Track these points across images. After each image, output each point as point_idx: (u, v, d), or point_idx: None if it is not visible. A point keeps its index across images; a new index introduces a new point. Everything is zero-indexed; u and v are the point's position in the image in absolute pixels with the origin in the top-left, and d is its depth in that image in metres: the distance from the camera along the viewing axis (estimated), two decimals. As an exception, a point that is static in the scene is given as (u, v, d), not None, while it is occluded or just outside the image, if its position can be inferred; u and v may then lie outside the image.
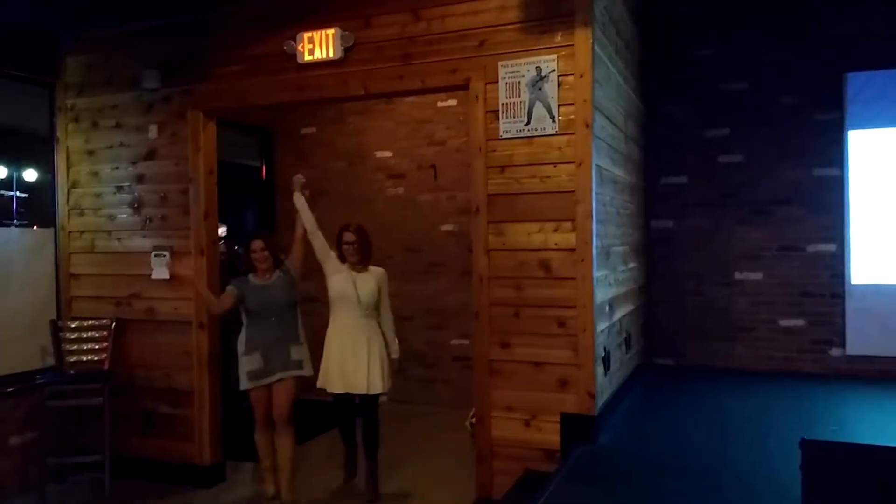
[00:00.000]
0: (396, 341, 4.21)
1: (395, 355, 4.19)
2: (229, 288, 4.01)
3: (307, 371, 4.02)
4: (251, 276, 3.99)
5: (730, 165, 5.45)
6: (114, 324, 4.56)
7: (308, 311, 4.33)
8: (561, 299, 3.53)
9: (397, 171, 6.62)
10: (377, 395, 4.05)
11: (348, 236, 4.06)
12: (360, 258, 4.08)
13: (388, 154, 6.66)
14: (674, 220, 5.64)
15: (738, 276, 5.46)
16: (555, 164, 3.53)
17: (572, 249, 3.50)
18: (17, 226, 4.67)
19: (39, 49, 4.69)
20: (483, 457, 3.71)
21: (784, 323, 5.32)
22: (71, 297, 4.78)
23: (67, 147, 4.77)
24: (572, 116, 3.49)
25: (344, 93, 4.00)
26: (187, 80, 4.40)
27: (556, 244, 3.54)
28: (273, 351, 3.92)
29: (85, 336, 4.50)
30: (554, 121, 3.52)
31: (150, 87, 4.41)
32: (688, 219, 5.59)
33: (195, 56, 4.39)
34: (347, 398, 4.12)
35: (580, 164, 3.47)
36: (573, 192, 3.49)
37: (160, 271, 4.46)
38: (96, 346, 4.50)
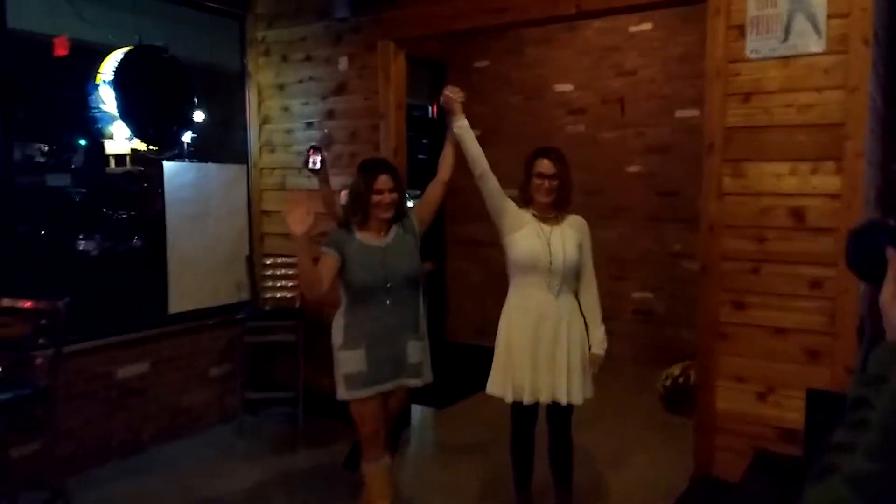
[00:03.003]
0: (603, 328, 2.95)
1: (599, 349, 2.94)
2: (326, 250, 2.67)
3: (427, 378, 2.90)
4: (356, 232, 2.75)
5: None
6: (303, 262, 4.54)
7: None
8: (816, 255, 2.95)
9: (578, 105, 6.11)
10: (571, 406, 2.92)
11: (544, 165, 2.81)
12: (556, 200, 2.84)
13: (568, 87, 6.15)
14: (922, 162, 4.72)
15: None
16: (818, 90, 2.90)
17: (836, 195, 2.89)
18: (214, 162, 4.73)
19: (230, -20, 4.63)
20: (704, 430, 3.29)
21: None
22: (263, 234, 4.82)
23: (258, 81, 4.73)
24: (845, 30, 2.83)
25: (552, 12, 3.55)
26: (378, 8, 4.14)
27: (814, 188, 2.95)
28: (382, 347, 2.72)
29: (278, 273, 4.52)
30: (820, 36, 2.88)
31: (340, 17, 4.19)
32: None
33: (386, -20, 4.11)
34: (531, 409, 2.94)
35: (853, 91, 2.82)
36: (842, 125, 2.86)
37: (349, 210, 4.34)
38: (288, 284, 4.51)
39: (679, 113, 5.59)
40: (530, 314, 2.84)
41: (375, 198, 2.70)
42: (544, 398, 2.84)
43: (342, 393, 2.76)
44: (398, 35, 4.10)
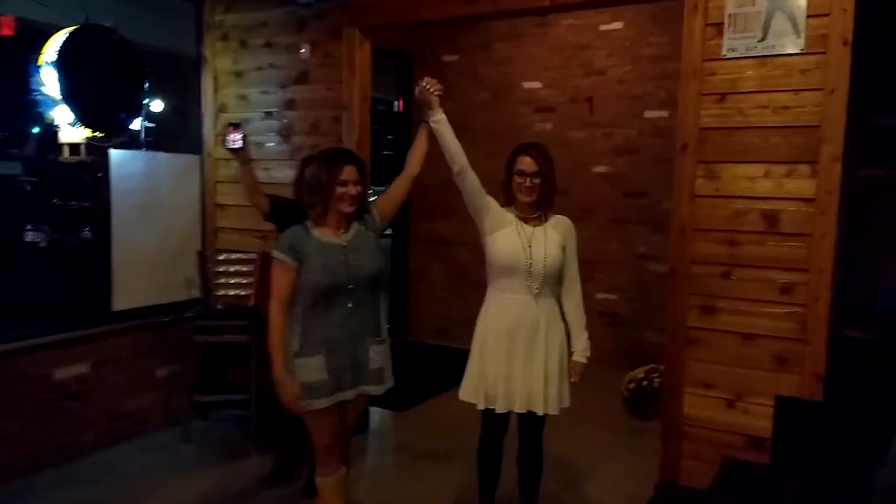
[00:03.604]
0: (586, 335, 2.80)
1: (581, 357, 2.79)
2: (280, 256, 2.46)
3: (389, 383, 2.68)
4: (312, 228, 2.52)
5: (970, 103, 4.47)
6: (260, 258, 4.33)
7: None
8: (789, 260, 2.88)
9: (547, 103, 6.02)
10: (544, 416, 2.78)
11: (525, 162, 2.65)
12: (539, 199, 2.70)
13: (537, 85, 6.06)
14: (886, 168, 4.73)
15: (966, 237, 4.55)
16: (796, 91, 2.83)
17: (810, 199, 2.83)
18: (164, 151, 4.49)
19: (187, -40, 4.40)
20: (670, 437, 3.20)
21: None
22: (216, 228, 4.59)
23: (215, 68, 4.50)
24: (825, 31, 2.76)
25: (525, 4, 3.43)
26: (343, -6, 3.97)
27: (788, 192, 2.87)
28: (343, 353, 2.51)
29: (232, 269, 4.30)
30: (799, 36, 2.80)
31: (304, 2, 4.00)
32: (905, 167, 4.68)
33: (352, -36, 3.94)
34: (502, 417, 2.77)
35: (832, 92, 2.76)
36: (818, 126, 2.79)
37: (308, 205, 4.15)
38: (243, 281, 4.29)
39: (648, 114, 5.54)
40: (507, 318, 2.69)
41: (340, 190, 2.47)
42: (518, 406, 2.69)
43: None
44: (364, 23, 3.92)
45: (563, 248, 2.74)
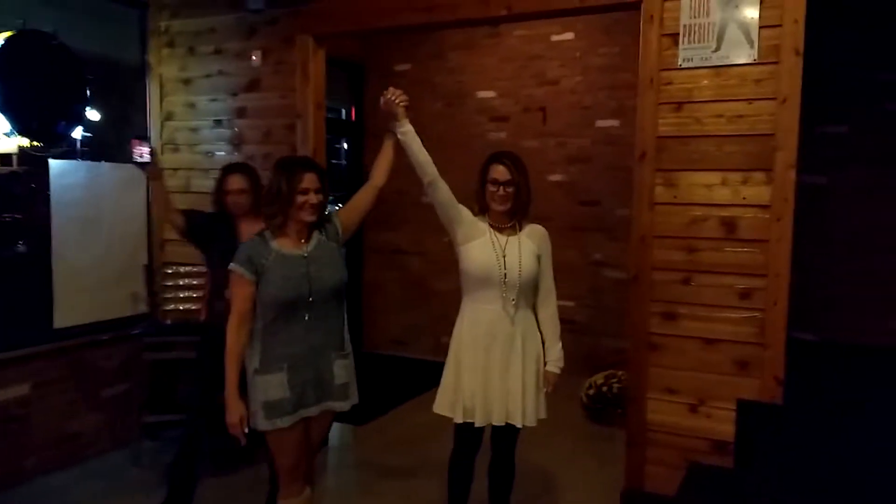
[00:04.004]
0: (560, 345, 2.77)
1: (555, 367, 2.75)
2: (238, 270, 2.36)
3: (354, 399, 2.61)
4: (271, 240, 2.42)
5: (903, 113, 4.67)
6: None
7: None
8: (747, 266, 2.94)
9: (501, 113, 6.03)
10: (518, 429, 2.74)
11: (498, 171, 2.61)
12: (513, 208, 2.65)
13: (490, 94, 6.06)
14: (828, 174, 4.91)
15: (902, 241, 4.74)
16: (749, 100, 2.90)
17: (766, 206, 2.89)
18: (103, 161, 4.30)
19: (130, -36, 4.23)
20: (635, 443, 3.21)
21: (956, 297, 4.61)
22: (163, 240, 4.41)
23: (161, 75, 4.34)
24: (777, 41, 2.83)
25: (482, 13, 3.41)
26: (296, 0, 3.88)
27: (744, 199, 2.93)
28: (306, 369, 2.42)
29: (181, 283, 4.14)
30: (752, 46, 2.87)
31: (254, 8, 3.91)
32: (845, 174, 4.85)
33: (305, -29, 3.86)
34: (478, 430, 2.70)
35: (784, 101, 2.83)
36: (772, 135, 2.86)
37: (262, 216, 4.03)
38: (193, 295, 4.13)
39: (599, 123, 5.61)
40: (482, 330, 2.63)
41: (300, 199, 2.38)
42: (497, 419, 2.64)
43: (261, 422, 2.40)
44: (318, 30, 3.84)
45: (538, 258, 2.70)
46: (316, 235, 2.50)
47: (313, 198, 2.40)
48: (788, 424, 2.90)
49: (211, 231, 3.19)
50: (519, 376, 2.63)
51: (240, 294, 2.38)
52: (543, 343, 2.75)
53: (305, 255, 2.44)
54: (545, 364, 2.75)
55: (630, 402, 3.23)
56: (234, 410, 2.35)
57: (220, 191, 3.17)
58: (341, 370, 2.51)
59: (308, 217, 2.42)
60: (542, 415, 2.74)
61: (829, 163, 4.88)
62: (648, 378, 3.17)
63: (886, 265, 4.80)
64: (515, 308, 2.64)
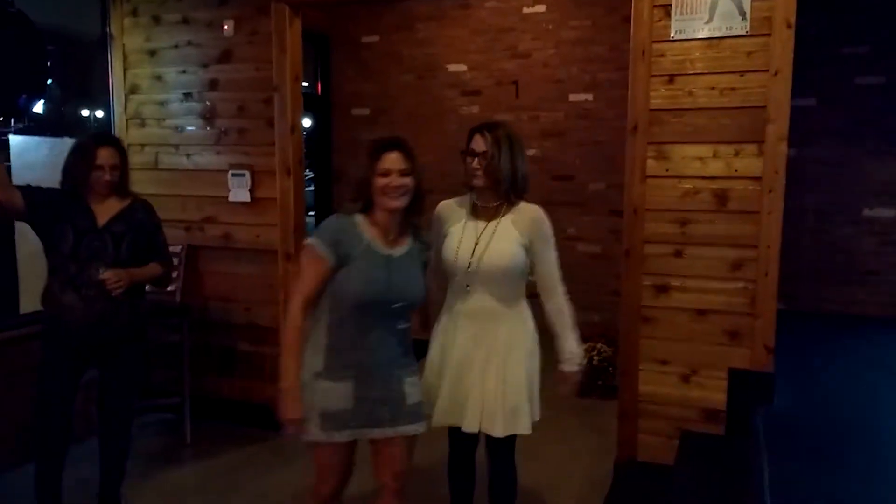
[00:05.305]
0: (575, 338, 2.49)
1: (570, 365, 2.46)
2: (317, 246, 2.12)
3: (427, 420, 2.35)
4: (364, 226, 2.18)
5: (869, 88, 4.81)
6: (185, 251, 4.03)
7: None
8: (738, 237, 2.97)
9: (472, 87, 5.96)
10: (513, 435, 2.43)
11: (475, 141, 2.37)
12: (492, 184, 2.36)
13: (462, 68, 5.98)
14: (796, 147, 5.01)
15: (867, 213, 4.91)
16: (741, 72, 2.91)
17: (758, 178, 2.92)
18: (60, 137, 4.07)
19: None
20: (628, 414, 3.25)
21: (916, 266, 4.81)
22: (132, 221, 4.23)
23: (124, 45, 4.11)
24: (769, 13, 2.84)
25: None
26: (270, -33, 3.71)
27: (736, 171, 2.96)
28: (375, 384, 2.18)
29: (155, 265, 3.97)
30: (744, 18, 2.87)
31: (226, -26, 3.72)
32: (813, 147, 4.98)
33: (279, -64, 3.69)
34: (467, 433, 2.42)
35: (776, 74, 2.85)
36: (763, 107, 2.88)
37: (239, 193, 3.89)
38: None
39: (573, 97, 5.61)
40: (456, 330, 2.41)
41: (381, 181, 2.12)
42: (467, 426, 2.37)
43: (315, 432, 2.15)
44: (294, -1, 3.69)
45: (526, 247, 2.38)
46: (409, 241, 2.25)
47: (396, 180, 2.12)
48: (775, 391, 2.97)
49: (60, 211, 2.76)
50: (499, 379, 2.35)
51: (311, 273, 2.13)
52: (560, 342, 2.48)
53: (391, 256, 2.19)
54: (563, 363, 2.47)
55: (622, 374, 3.26)
56: (295, 407, 2.10)
57: (84, 164, 2.74)
58: (412, 388, 2.26)
59: (392, 202, 2.14)
60: (536, 417, 2.48)
61: (798, 135, 4.98)
62: (640, 350, 3.20)
63: (850, 237, 4.97)
64: (494, 302, 2.37)
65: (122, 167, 2.84)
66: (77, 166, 2.77)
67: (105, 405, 3.02)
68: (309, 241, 2.16)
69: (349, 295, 2.13)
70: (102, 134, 2.93)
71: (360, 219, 2.18)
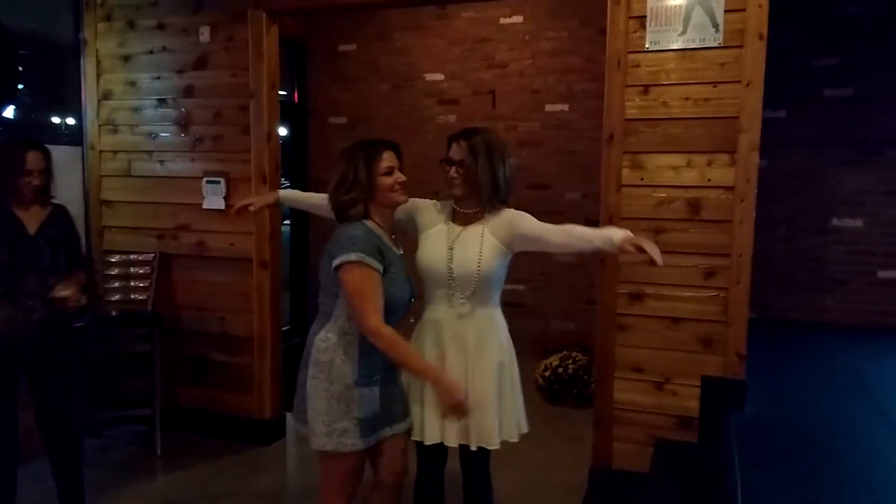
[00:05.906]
0: (610, 228, 2.43)
1: (622, 233, 2.29)
2: (366, 261, 2.06)
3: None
4: (380, 231, 2.20)
5: (837, 99, 4.91)
6: (157, 259, 3.97)
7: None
8: (711, 246, 3.02)
9: (450, 96, 5.96)
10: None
11: (452, 149, 2.33)
12: (467, 193, 2.31)
13: (439, 77, 5.99)
14: (767, 158, 5.11)
15: (835, 222, 5.01)
16: (714, 83, 2.96)
17: (730, 188, 2.97)
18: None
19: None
20: (602, 421, 3.26)
21: (883, 275, 4.91)
22: (102, 228, 4.16)
23: (97, 51, 4.06)
24: (741, 25, 2.90)
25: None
26: (246, -27, 3.70)
27: (709, 181, 3.00)
28: (394, 382, 2.26)
29: (129, 272, 3.91)
30: (717, 30, 2.93)
31: (202, -20, 3.70)
32: (783, 158, 5.07)
33: (256, -57, 3.68)
34: (436, 447, 2.36)
35: (748, 85, 2.90)
36: (736, 118, 2.93)
37: (213, 200, 3.85)
38: (139, 284, 3.92)
39: (549, 107, 5.64)
40: (429, 338, 2.34)
41: (387, 180, 2.14)
42: (449, 439, 2.31)
43: (357, 442, 2.11)
44: (271, 5, 3.68)
45: (506, 252, 2.36)
46: (397, 238, 2.31)
47: (400, 175, 2.19)
48: (747, 398, 3.01)
49: None
50: (479, 390, 2.27)
51: (373, 287, 2.07)
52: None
53: (402, 256, 2.27)
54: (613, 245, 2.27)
55: (599, 381, 3.27)
56: (454, 386, 2.16)
57: (13, 169, 2.64)
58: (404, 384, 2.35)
59: (401, 198, 2.20)
60: (524, 429, 2.45)
61: (768, 146, 5.08)
62: (615, 358, 3.21)
63: (819, 246, 5.07)
64: (466, 310, 2.30)
65: (49, 171, 2.78)
66: (5, 171, 2.67)
67: (44, 409, 2.89)
68: (355, 257, 2.06)
69: (394, 299, 2.14)
70: (27, 138, 2.81)
71: (371, 224, 2.18)
